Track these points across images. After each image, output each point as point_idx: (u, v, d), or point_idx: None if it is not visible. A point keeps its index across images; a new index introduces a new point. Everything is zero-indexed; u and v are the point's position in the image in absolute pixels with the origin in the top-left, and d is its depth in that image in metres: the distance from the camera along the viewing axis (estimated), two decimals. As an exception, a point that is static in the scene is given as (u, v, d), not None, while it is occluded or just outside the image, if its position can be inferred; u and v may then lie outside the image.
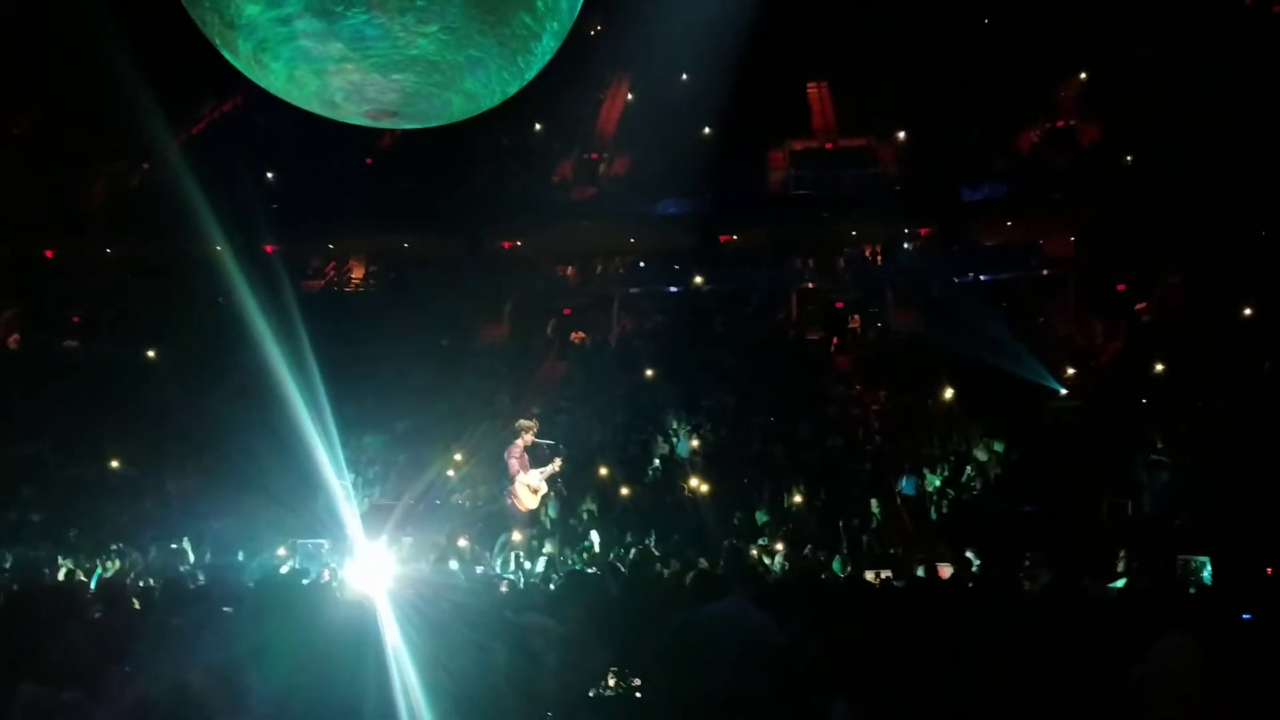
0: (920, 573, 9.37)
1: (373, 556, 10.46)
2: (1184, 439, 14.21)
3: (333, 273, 29.60)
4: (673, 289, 27.16)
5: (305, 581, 8.68)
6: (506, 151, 27.77)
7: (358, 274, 29.97)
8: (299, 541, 12.70)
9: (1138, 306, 21.58)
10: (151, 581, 9.21)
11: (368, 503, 16.62)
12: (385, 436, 19.36)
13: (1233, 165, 18.78)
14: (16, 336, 24.78)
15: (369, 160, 28.21)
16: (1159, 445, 14.03)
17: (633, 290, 27.48)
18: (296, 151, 25.53)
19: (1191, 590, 7.38)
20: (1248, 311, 18.21)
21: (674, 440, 17.88)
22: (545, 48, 4.67)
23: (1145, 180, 21.39)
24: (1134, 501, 13.33)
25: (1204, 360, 16.39)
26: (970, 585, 8.04)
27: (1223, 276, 19.24)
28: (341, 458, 13.01)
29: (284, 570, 10.53)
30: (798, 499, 14.43)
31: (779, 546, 12.30)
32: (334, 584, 9.19)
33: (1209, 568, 9.21)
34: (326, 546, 12.53)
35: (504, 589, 7.47)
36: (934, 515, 14.76)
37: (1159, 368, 17.52)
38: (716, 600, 5.63)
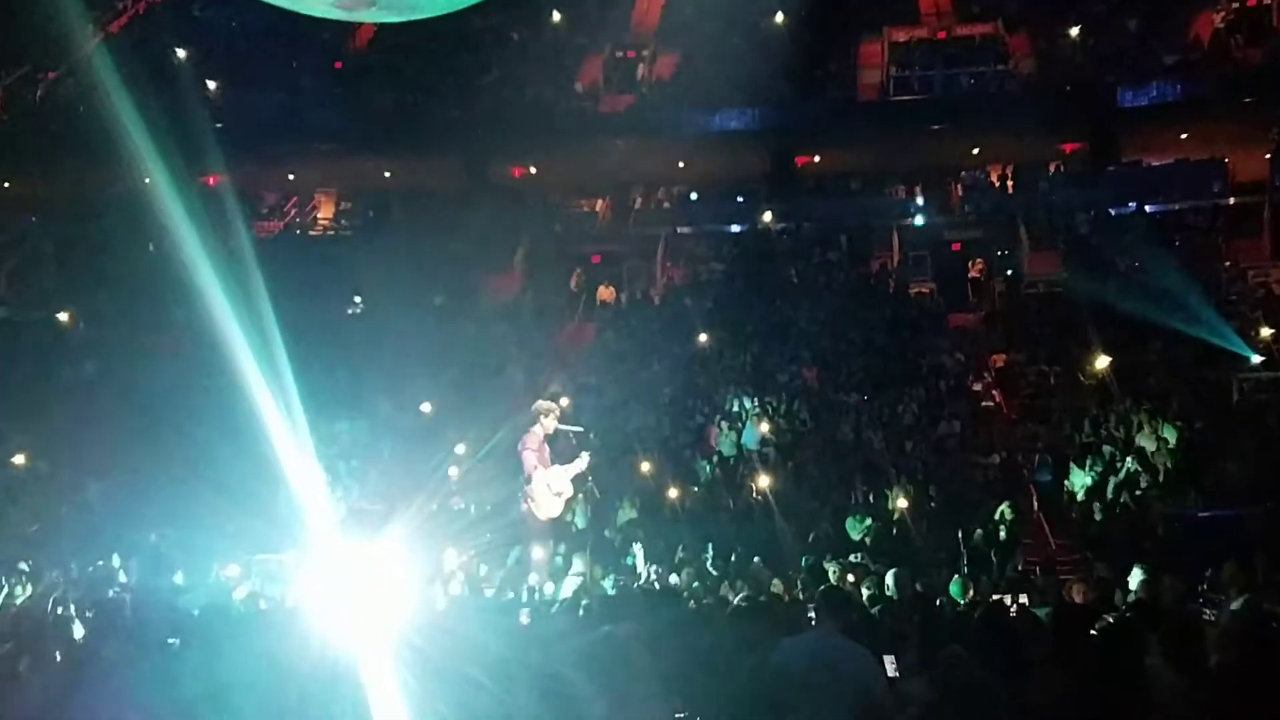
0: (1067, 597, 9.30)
1: (351, 577, 10.55)
2: None
3: (294, 211, 29.85)
4: (735, 228, 27.02)
5: (264, 608, 8.84)
6: (516, 50, 27.75)
7: (326, 212, 30.21)
8: (256, 558, 12.87)
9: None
10: (74, 609, 9.39)
11: (344, 507, 16.77)
12: (364, 422, 19.53)
13: None
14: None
15: (338, 65, 28.33)
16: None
17: (682, 231, 27.39)
18: (247, 55, 25.69)
19: None
20: None
21: (738, 427, 17.86)
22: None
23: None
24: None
25: None
26: (1131, 614, 7.98)
27: None
28: (309, 449, 13.13)
29: (238, 594, 10.70)
30: (902, 503, 14.37)
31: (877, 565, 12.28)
32: (301, 612, 9.33)
33: None
34: (290, 563, 12.68)
35: (525, 619, 7.53)
36: (1085, 523, 14.65)
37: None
38: (797, 635, 5.63)
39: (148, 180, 18.33)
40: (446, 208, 26.91)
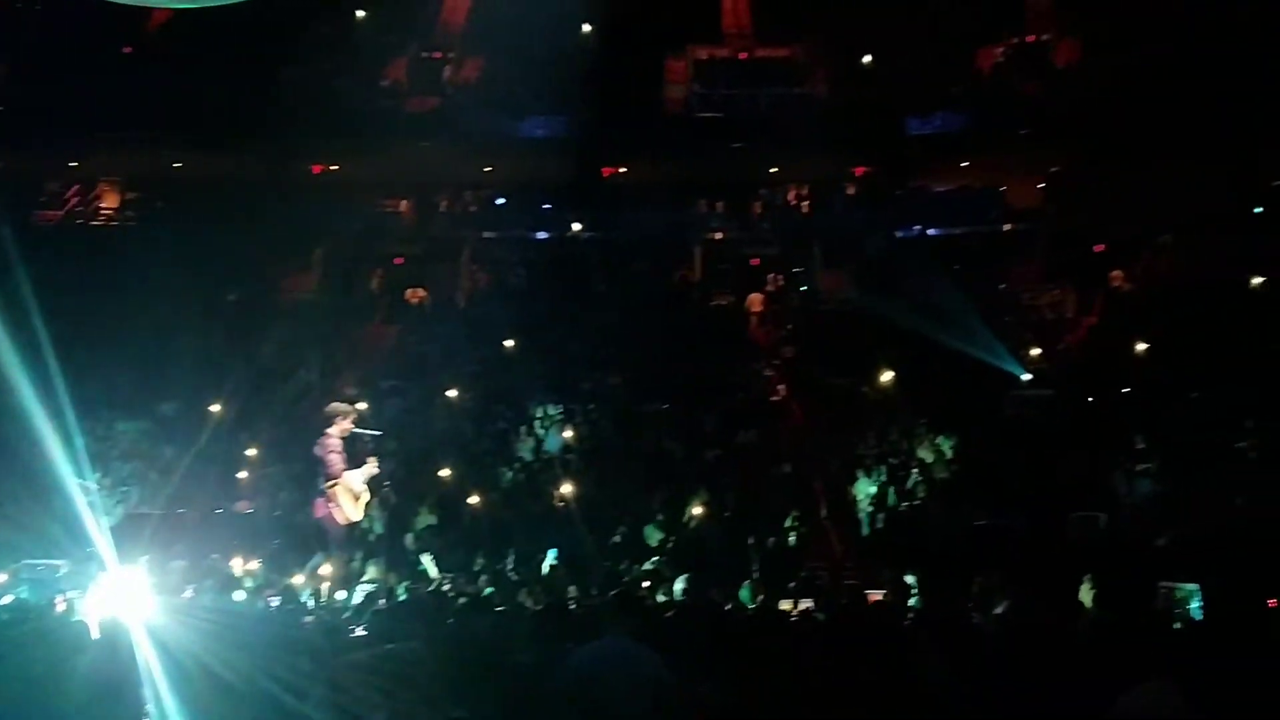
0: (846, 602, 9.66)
1: (128, 584, 10.17)
2: (1172, 439, 14.79)
3: (75, 200, 28.47)
4: (541, 235, 27.05)
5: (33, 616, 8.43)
6: (318, 44, 27.09)
7: (110, 202, 28.87)
8: (24, 563, 12.31)
9: (1118, 272, 22.19)
10: None
11: (121, 511, 16.18)
12: (145, 423, 18.83)
13: (1245, 93, 19.25)
14: None
15: (128, 49, 27.13)
16: (1141, 446, 14.67)
17: (487, 235, 27.26)
18: (27, 34, 24.36)
19: (1176, 626, 7.74)
20: (1255, 281, 18.74)
21: (540, 433, 17.87)
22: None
23: (1134, 112, 21.69)
24: (1109, 516, 13.88)
25: (1200, 342, 16.95)
26: (909, 618, 8.31)
27: (1225, 236, 19.87)
28: (83, 451, 12.61)
29: (4, 601, 10.24)
30: (698, 510, 14.63)
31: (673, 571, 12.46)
32: (74, 620, 8.94)
33: (1198, 598, 9.65)
34: (63, 570, 12.15)
35: (309, 622, 7.39)
36: (867, 530, 15.18)
37: (1143, 349, 18.16)
38: (591, 639, 5.68)
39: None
40: (243, 202, 26.06)
